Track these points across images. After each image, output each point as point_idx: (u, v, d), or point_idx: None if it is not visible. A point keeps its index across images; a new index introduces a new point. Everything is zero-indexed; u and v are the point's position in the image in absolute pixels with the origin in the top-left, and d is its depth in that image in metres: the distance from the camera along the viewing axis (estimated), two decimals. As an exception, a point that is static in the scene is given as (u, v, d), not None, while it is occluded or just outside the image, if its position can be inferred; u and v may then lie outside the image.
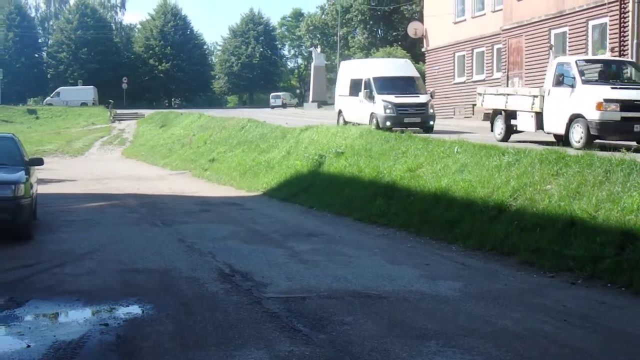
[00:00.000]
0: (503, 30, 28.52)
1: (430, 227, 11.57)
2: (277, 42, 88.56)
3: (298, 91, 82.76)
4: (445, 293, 7.69)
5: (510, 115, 17.21)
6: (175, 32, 77.97)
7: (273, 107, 61.13)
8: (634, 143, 14.50)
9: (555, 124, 15.48)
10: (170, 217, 14.20)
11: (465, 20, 33.39)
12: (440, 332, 6.19)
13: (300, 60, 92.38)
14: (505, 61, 28.50)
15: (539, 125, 16.02)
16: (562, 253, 8.88)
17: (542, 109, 15.78)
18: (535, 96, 16.07)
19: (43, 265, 9.22)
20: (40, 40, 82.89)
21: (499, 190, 11.38)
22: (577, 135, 14.47)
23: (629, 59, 19.37)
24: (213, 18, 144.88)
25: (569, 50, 23.70)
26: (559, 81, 15.24)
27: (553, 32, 25.42)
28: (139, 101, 69.86)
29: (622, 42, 21.45)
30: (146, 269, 9.02)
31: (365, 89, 21.59)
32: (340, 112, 24.22)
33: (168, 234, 12.08)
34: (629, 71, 16.20)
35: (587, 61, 16.48)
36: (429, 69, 36.78)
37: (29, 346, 5.84)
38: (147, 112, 51.58)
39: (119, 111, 53.69)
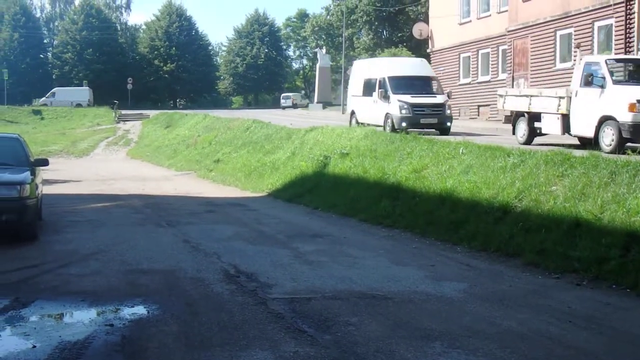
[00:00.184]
0: (508, 31, 28.50)
1: (435, 228, 11.56)
2: (282, 43, 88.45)
3: (303, 92, 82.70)
4: (450, 294, 7.69)
5: (534, 117, 16.52)
6: (180, 33, 78.04)
7: (284, 107, 61.16)
8: None
9: (583, 127, 14.76)
10: (175, 218, 14.22)
11: (470, 21, 33.37)
12: (445, 333, 6.19)
13: (305, 61, 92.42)
14: (511, 62, 28.47)
15: (566, 127, 15.35)
16: (567, 254, 8.86)
17: (569, 110, 15.11)
18: (561, 97, 15.37)
19: (48, 266, 9.23)
20: (45, 41, 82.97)
21: (504, 191, 11.36)
22: (608, 138, 13.78)
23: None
24: (218, 19, 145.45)
25: (574, 52, 23.65)
26: (588, 81, 14.49)
27: (558, 33, 25.38)
28: (143, 102, 69.90)
29: (627, 44, 21.40)
30: (151, 269, 9.03)
31: (379, 88, 20.82)
32: (353, 112, 23.32)
33: (173, 234, 12.09)
34: None
35: (618, 60, 15.71)
36: (434, 70, 36.73)
37: (34, 346, 5.85)
38: (152, 113, 51.67)
39: (124, 112, 53.82)
